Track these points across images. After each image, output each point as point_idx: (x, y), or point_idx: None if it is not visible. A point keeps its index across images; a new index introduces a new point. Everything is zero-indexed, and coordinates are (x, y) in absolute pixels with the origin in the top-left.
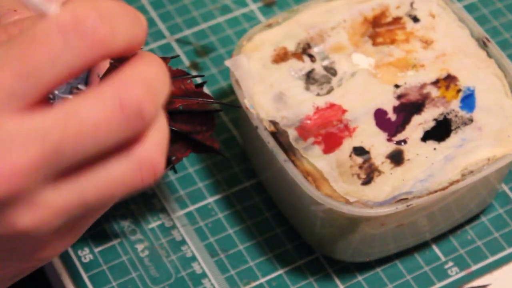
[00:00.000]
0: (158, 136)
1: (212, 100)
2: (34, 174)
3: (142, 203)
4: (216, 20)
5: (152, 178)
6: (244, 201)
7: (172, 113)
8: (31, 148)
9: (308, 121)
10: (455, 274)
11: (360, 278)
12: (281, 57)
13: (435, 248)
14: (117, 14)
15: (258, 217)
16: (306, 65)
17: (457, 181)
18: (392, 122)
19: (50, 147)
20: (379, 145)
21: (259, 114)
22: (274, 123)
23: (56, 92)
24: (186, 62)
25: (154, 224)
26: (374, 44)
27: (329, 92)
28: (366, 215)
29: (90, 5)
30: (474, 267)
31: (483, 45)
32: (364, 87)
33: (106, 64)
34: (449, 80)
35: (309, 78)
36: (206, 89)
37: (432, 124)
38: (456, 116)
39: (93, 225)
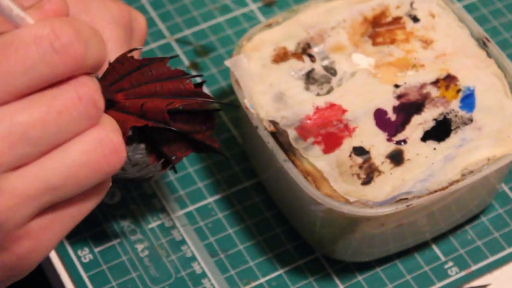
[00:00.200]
0: (111, 122)
1: (211, 100)
2: (1, 161)
3: (142, 203)
4: (216, 20)
5: (117, 159)
6: (244, 201)
7: (172, 113)
8: None
9: (308, 121)
10: (455, 274)
11: (360, 278)
12: (281, 57)
13: (435, 248)
14: (90, 34)
15: (258, 217)
16: (306, 65)
17: (457, 181)
18: (392, 122)
19: (17, 132)
20: (379, 145)
21: (259, 114)
22: (274, 123)
23: None
24: (186, 62)
25: (154, 224)
26: (374, 44)
27: (329, 92)
28: (366, 215)
29: (68, 22)
30: (474, 267)
31: (483, 45)
32: (364, 87)
33: (105, 66)
34: (449, 80)
35: (309, 78)
36: (206, 89)
37: (432, 124)
38: (456, 116)
39: (93, 225)
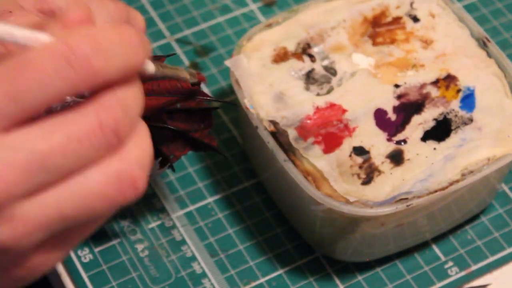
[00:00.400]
0: (138, 153)
1: (208, 98)
2: (15, 189)
3: (142, 203)
4: (216, 20)
5: (133, 193)
6: (244, 201)
7: (170, 112)
8: (14, 162)
9: (308, 121)
10: (455, 274)
11: (360, 278)
12: (281, 57)
13: (435, 248)
14: (112, 43)
15: (258, 217)
16: (306, 65)
17: (457, 181)
18: (392, 122)
19: (35, 160)
20: (379, 145)
21: (259, 114)
22: (274, 123)
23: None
24: (186, 62)
25: (154, 224)
26: (374, 44)
27: (329, 92)
28: (366, 215)
29: (85, 35)
30: (474, 267)
31: (483, 45)
32: (364, 87)
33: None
34: (449, 80)
35: (309, 78)
36: (206, 89)
37: (432, 124)
38: (456, 116)
39: None
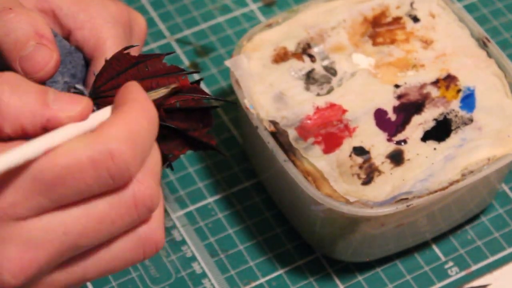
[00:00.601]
0: (159, 216)
1: (207, 96)
2: (47, 265)
3: None
4: (216, 20)
5: (154, 253)
6: (244, 201)
7: (169, 111)
8: (48, 243)
9: (308, 121)
10: (455, 274)
11: (360, 278)
12: (281, 57)
13: (435, 248)
14: (146, 141)
15: (258, 217)
16: (306, 65)
17: (457, 181)
18: (392, 122)
19: (69, 243)
20: (379, 145)
21: (259, 114)
22: (274, 123)
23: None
24: (186, 62)
25: None
26: (374, 44)
27: (329, 92)
28: (366, 215)
29: (127, 139)
30: (474, 267)
31: (483, 45)
32: (364, 87)
33: (102, 62)
34: (449, 80)
35: (309, 78)
36: (206, 89)
37: (432, 124)
38: (456, 116)
39: None
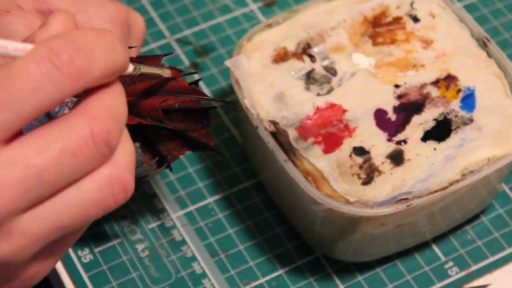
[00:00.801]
0: (125, 157)
1: (205, 97)
2: (13, 205)
3: (142, 203)
4: (216, 20)
5: (124, 196)
6: (244, 201)
7: (168, 112)
8: (10, 179)
9: (308, 121)
10: (455, 274)
11: (360, 278)
12: (281, 57)
13: (435, 248)
14: (93, 44)
15: (258, 217)
16: (306, 65)
17: (457, 181)
18: (392, 122)
19: (32, 176)
20: (379, 145)
21: (259, 114)
22: (274, 123)
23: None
24: (186, 62)
25: (154, 224)
26: (374, 44)
27: (329, 92)
28: (366, 215)
29: (65, 38)
30: (474, 267)
31: (483, 45)
32: (364, 87)
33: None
34: (449, 80)
35: (309, 78)
36: (206, 89)
37: (432, 124)
38: (456, 116)
39: (93, 225)
